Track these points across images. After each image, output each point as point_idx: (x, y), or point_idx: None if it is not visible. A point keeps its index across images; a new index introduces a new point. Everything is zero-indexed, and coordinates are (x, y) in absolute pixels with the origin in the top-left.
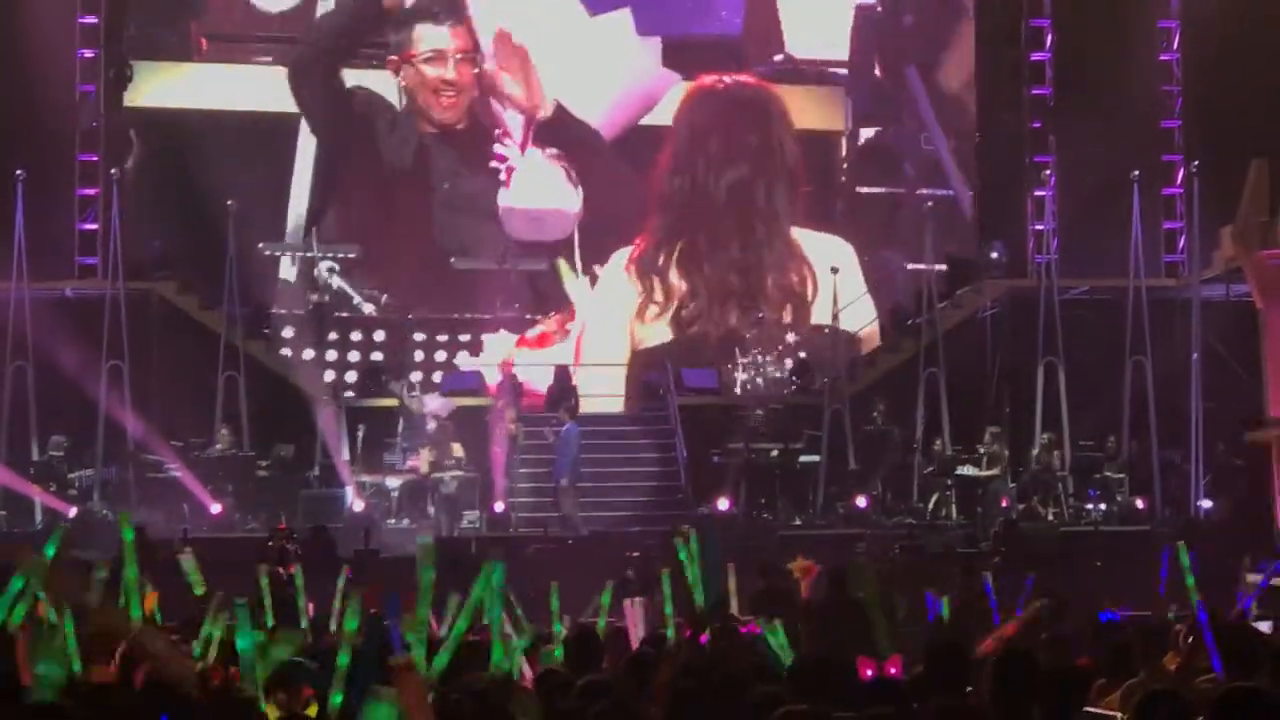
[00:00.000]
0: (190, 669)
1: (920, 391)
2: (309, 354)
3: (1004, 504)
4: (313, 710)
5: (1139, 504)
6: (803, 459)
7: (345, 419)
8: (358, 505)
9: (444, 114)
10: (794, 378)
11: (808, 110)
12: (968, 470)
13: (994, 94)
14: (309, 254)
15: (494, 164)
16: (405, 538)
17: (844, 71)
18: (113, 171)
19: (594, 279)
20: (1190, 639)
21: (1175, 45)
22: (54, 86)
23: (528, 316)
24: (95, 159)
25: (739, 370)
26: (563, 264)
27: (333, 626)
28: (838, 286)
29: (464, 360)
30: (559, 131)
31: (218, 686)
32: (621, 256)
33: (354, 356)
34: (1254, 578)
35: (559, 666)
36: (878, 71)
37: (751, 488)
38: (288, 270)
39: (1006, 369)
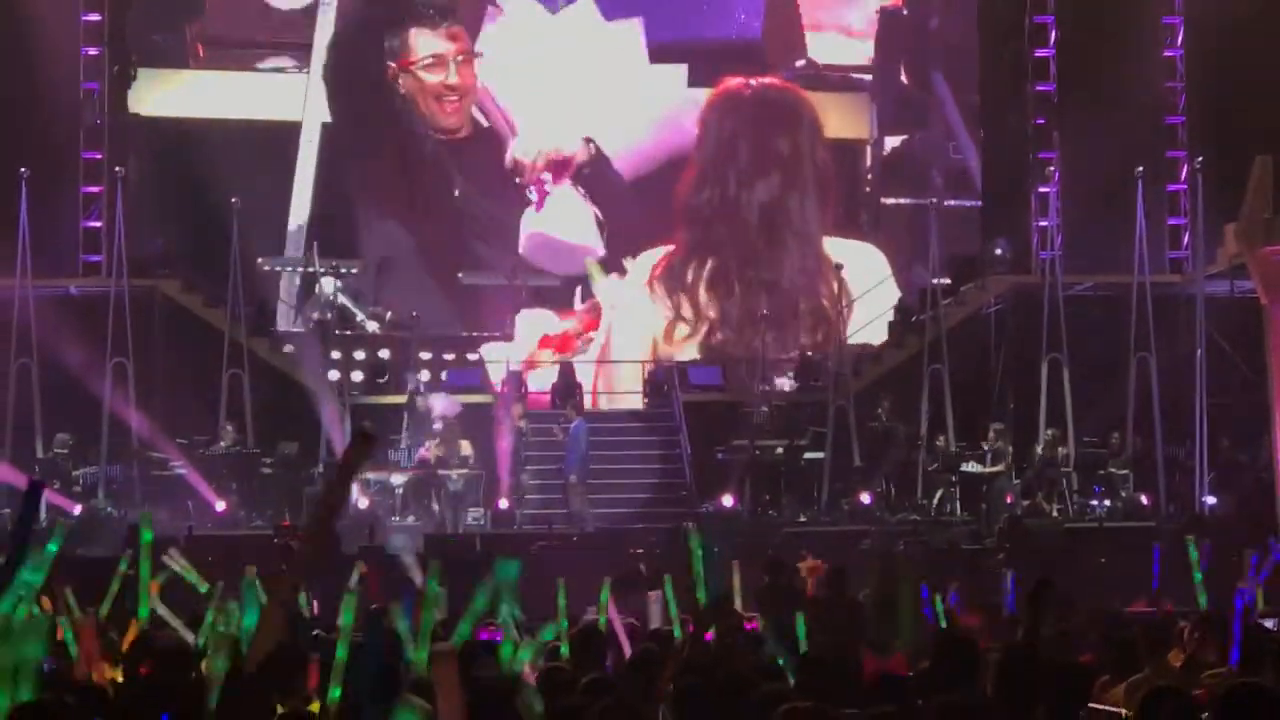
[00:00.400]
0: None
1: (925, 388)
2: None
3: (1008, 500)
4: (315, 706)
5: (1143, 500)
6: (807, 456)
7: (350, 416)
8: (362, 502)
9: (448, 119)
10: (795, 376)
11: (831, 118)
12: (972, 466)
13: (998, 91)
14: (310, 269)
15: (531, 188)
16: (409, 535)
17: (868, 77)
18: (117, 169)
19: (622, 273)
20: (1198, 635)
21: (1179, 41)
22: (58, 84)
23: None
24: (99, 157)
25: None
26: (591, 263)
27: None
28: (848, 283)
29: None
30: (593, 176)
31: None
32: (651, 258)
33: (357, 376)
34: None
35: (563, 664)
36: (904, 77)
37: (756, 484)
38: (287, 285)
39: (1011, 365)
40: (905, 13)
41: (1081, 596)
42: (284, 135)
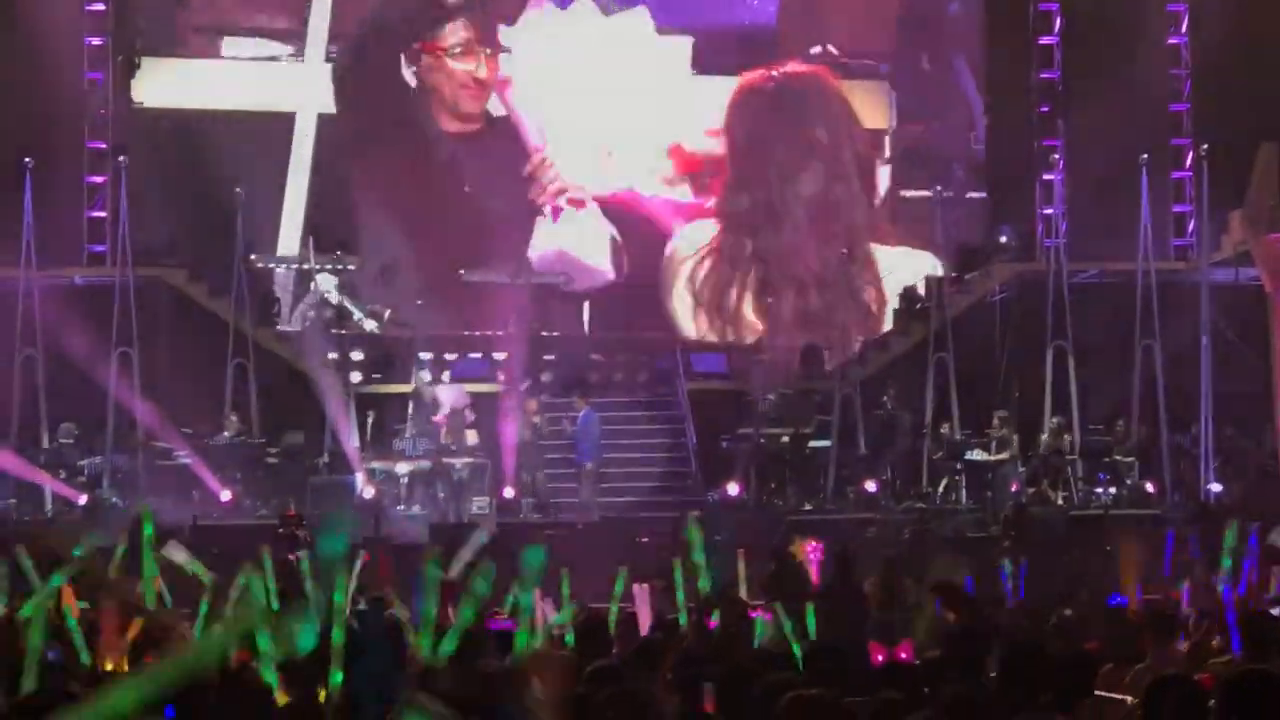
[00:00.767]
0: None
1: (930, 376)
2: None
3: (1014, 488)
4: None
5: (1149, 487)
6: (813, 444)
7: (355, 405)
8: (367, 492)
9: (467, 105)
10: (801, 363)
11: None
12: (977, 454)
13: (1002, 78)
14: (305, 265)
15: (561, 200)
16: (415, 523)
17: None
18: (120, 159)
19: None
20: (1205, 622)
21: (1184, 28)
22: (62, 74)
23: (544, 334)
24: (104, 146)
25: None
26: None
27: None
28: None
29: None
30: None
31: (235, 669)
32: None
33: (355, 377)
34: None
35: (569, 652)
36: (925, 63)
37: (761, 473)
38: (284, 281)
39: (1016, 353)
40: None
41: (1086, 584)
42: (289, 125)
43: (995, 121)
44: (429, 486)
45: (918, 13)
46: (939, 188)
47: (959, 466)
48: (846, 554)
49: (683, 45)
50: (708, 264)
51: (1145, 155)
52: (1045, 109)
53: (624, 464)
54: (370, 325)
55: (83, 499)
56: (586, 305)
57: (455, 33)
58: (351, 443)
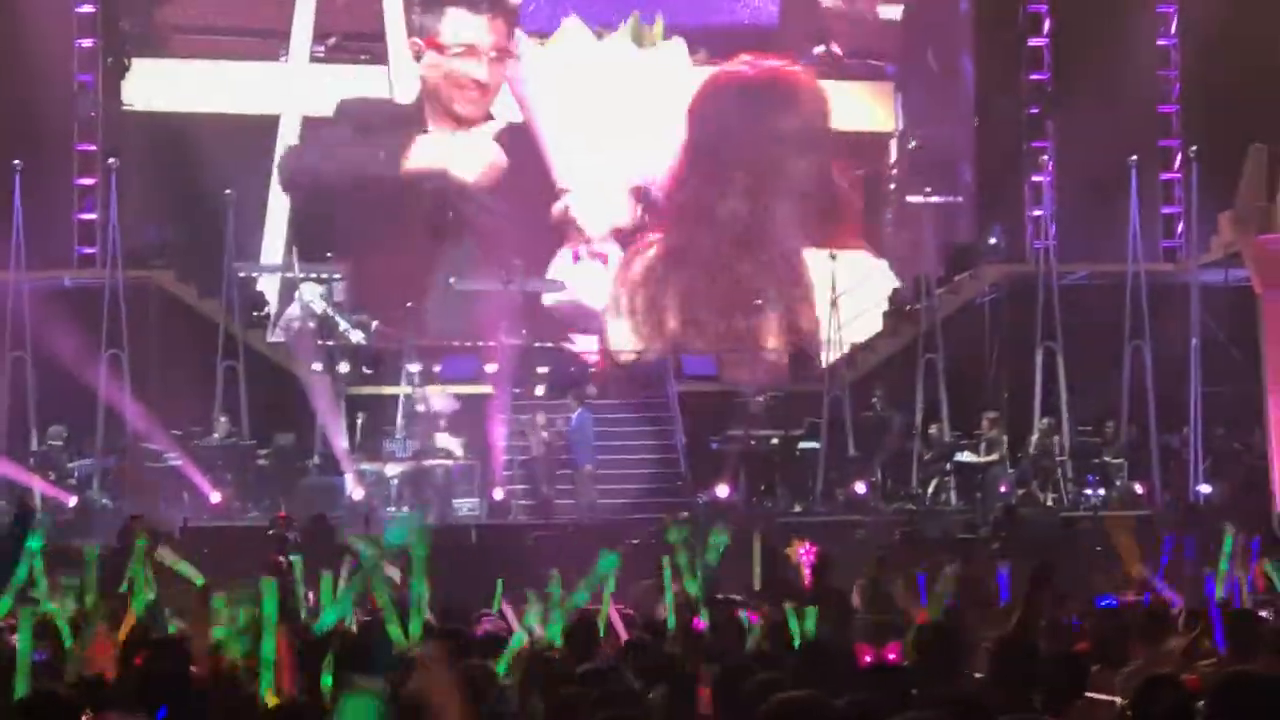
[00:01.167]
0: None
1: (919, 377)
2: None
3: (1003, 489)
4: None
5: (1138, 489)
6: (802, 445)
7: (345, 407)
8: (357, 493)
9: (465, 108)
10: (791, 365)
11: (853, 109)
12: (967, 456)
13: (992, 79)
14: (289, 274)
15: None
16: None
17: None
18: (110, 161)
19: None
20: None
21: (1173, 30)
22: (52, 76)
23: (536, 345)
24: (93, 149)
25: None
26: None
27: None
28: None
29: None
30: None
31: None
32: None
33: (345, 378)
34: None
35: (556, 654)
36: (932, 63)
37: (751, 474)
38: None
39: (1005, 354)
40: None
41: (1076, 585)
42: (261, 130)
43: (984, 123)
44: (418, 488)
45: (924, 13)
46: (927, 189)
47: (948, 468)
48: (824, 556)
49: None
50: (639, 264)
51: (1134, 157)
52: (1035, 110)
53: (614, 465)
54: (357, 336)
55: (72, 501)
56: None
57: (457, 31)
58: (341, 444)
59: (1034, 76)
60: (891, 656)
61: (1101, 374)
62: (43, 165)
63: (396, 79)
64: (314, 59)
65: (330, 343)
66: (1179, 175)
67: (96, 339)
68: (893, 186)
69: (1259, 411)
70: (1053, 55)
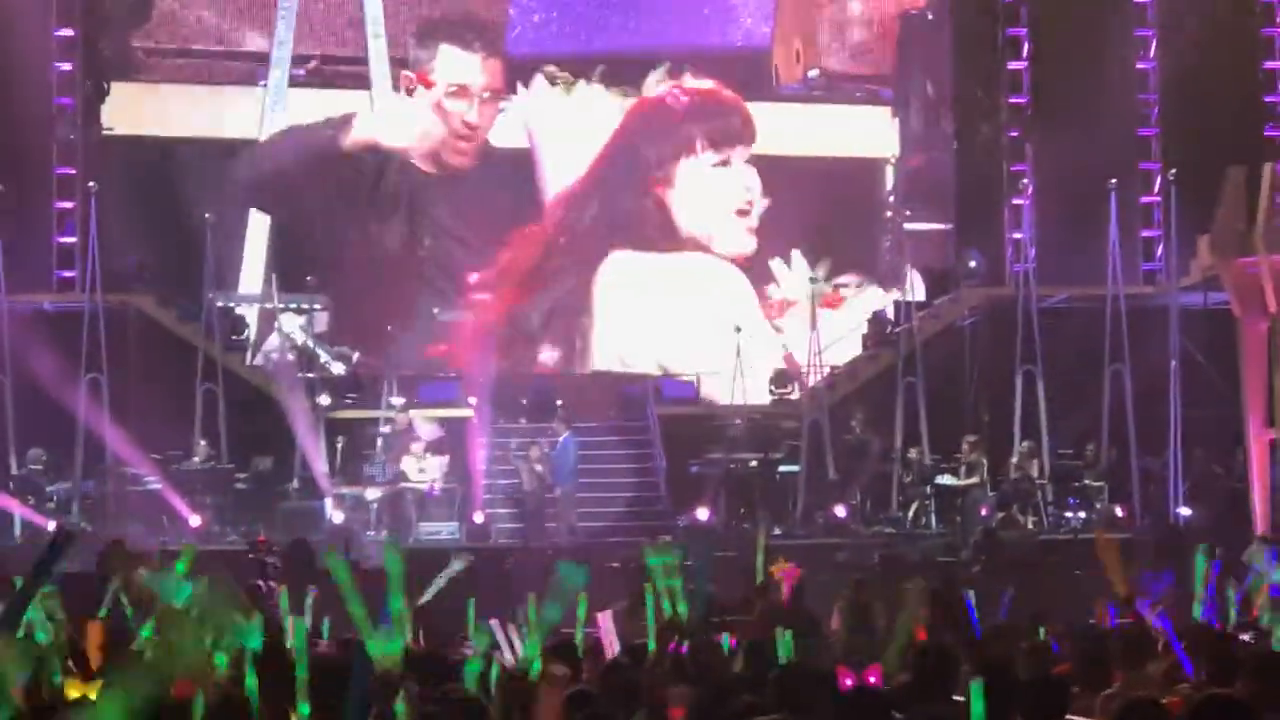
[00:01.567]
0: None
1: (899, 401)
2: None
3: (983, 513)
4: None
5: (1118, 512)
6: (782, 469)
7: (324, 431)
8: (337, 517)
9: (454, 158)
10: (772, 387)
11: (848, 135)
12: (947, 479)
13: (971, 103)
14: (268, 304)
15: None
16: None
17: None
18: (90, 185)
19: None
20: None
21: (1152, 53)
22: (31, 100)
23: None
24: (73, 172)
25: None
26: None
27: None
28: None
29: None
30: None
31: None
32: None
33: (325, 403)
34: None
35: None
36: (929, 88)
37: (731, 498)
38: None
39: (985, 378)
40: (930, 17)
41: (1057, 608)
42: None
43: (963, 146)
44: (397, 512)
45: (918, 36)
46: (907, 212)
47: (929, 491)
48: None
49: None
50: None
51: (1114, 180)
52: (1014, 133)
53: (594, 489)
54: (338, 368)
55: (51, 525)
56: None
57: (453, 68)
58: (321, 468)
59: (1013, 99)
60: (872, 679)
61: (1081, 397)
62: (22, 189)
63: (379, 103)
64: (294, 83)
65: (311, 375)
66: (1158, 198)
67: (76, 363)
68: (889, 215)
69: (1238, 434)
70: (1032, 79)
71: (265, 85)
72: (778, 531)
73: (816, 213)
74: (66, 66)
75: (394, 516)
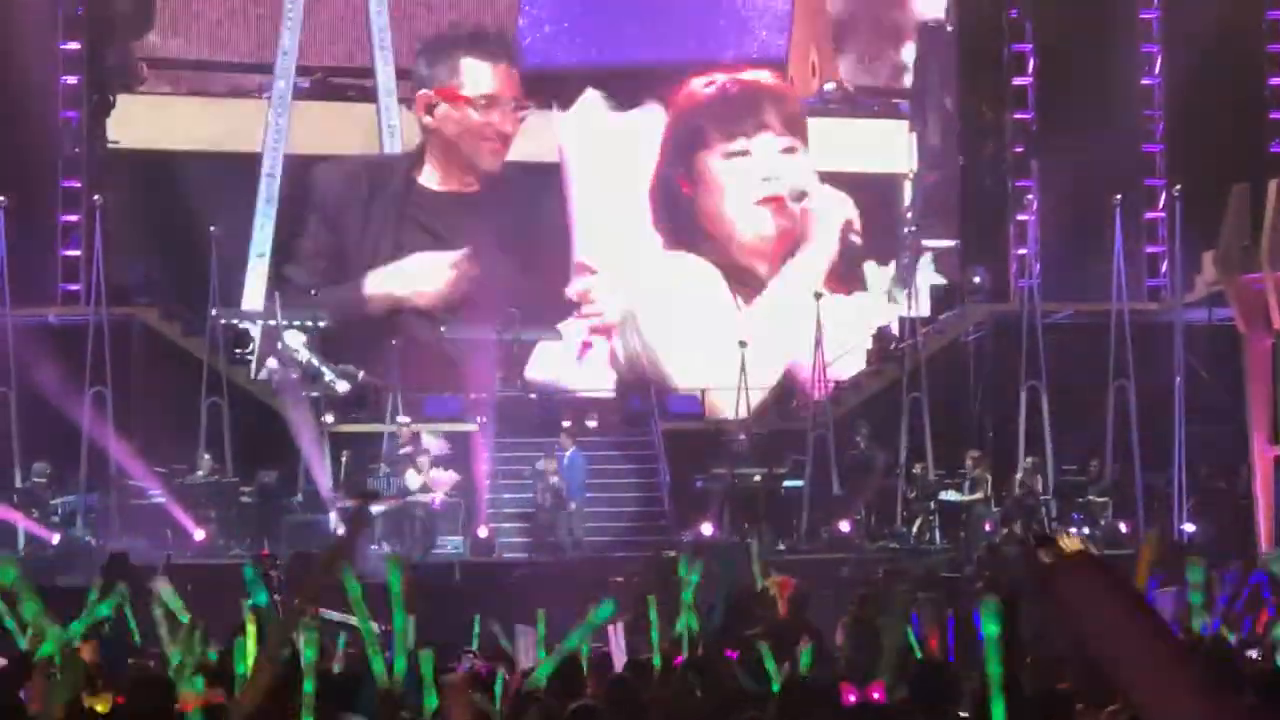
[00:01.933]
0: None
1: (904, 416)
2: None
3: (987, 528)
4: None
5: (1123, 528)
6: (786, 484)
7: (329, 445)
8: (341, 531)
9: (484, 161)
10: (777, 402)
11: (865, 148)
12: (951, 495)
13: (976, 119)
14: (271, 321)
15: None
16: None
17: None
18: (95, 198)
19: None
20: None
21: (1157, 69)
22: (36, 113)
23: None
24: (78, 185)
25: None
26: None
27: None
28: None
29: None
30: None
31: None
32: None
33: (329, 417)
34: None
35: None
36: (946, 102)
37: (735, 512)
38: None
39: (989, 393)
40: (950, 29)
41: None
42: (242, 168)
43: (969, 162)
44: (401, 525)
45: (938, 48)
46: (913, 229)
47: (933, 506)
48: (799, 593)
49: None
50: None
51: (1119, 196)
52: (1019, 149)
53: (598, 503)
54: (342, 386)
55: (55, 538)
56: None
57: (478, 80)
58: (325, 482)
59: (1018, 115)
60: (876, 695)
61: (1086, 413)
62: (27, 202)
63: (386, 115)
64: (299, 94)
65: (315, 394)
66: (1163, 214)
67: (80, 376)
68: (906, 230)
69: (1243, 450)
70: (1037, 95)
71: (269, 97)
72: (781, 547)
73: None
74: (72, 80)
75: (402, 531)
